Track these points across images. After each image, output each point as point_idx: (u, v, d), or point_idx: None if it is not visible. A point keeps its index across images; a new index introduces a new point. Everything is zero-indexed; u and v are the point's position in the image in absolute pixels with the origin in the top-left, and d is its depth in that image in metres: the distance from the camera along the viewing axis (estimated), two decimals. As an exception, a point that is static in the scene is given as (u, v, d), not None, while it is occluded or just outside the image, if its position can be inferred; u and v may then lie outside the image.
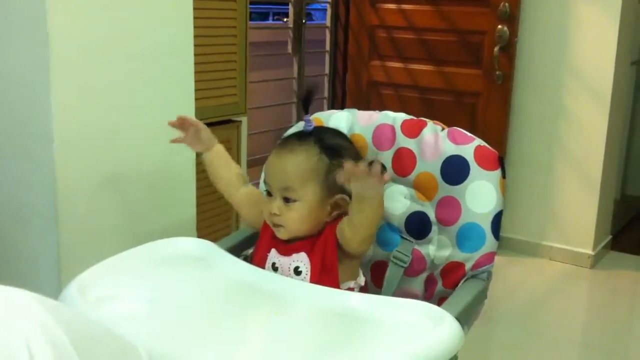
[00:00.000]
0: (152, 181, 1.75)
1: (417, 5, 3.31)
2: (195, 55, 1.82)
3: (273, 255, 1.32)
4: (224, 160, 1.46)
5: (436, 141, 1.42)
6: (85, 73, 1.56)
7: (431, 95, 3.34)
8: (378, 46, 3.47)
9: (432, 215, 1.42)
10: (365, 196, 1.20)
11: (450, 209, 1.39)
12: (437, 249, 1.42)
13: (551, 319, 2.72)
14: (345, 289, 1.28)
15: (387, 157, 1.47)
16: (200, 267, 1.29)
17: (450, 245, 1.40)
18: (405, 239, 1.45)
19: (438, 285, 1.41)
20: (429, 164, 1.42)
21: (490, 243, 1.36)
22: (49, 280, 1.58)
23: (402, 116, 1.49)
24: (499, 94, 3.15)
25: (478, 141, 1.41)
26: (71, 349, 0.77)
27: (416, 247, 1.44)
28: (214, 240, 1.40)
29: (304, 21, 3.44)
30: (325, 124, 1.50)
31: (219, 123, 2.42)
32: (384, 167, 1.28)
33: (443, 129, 1.44)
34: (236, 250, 1.42)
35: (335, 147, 1.32)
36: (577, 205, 3.17)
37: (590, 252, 3.18)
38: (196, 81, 1.85)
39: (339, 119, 1.52)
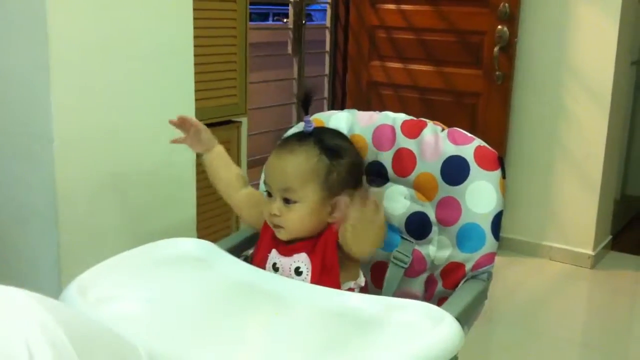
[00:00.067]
0: (152, 181, 1.75)
1: (417, 6, 3.31)
2: (195, 55, 1.82)
3: (274, 256, 1.32)
4: (224, 161, 1.47)
5: (436, 141, 1.42)
6: (85, 73, 1.56)
7: (431, 95, 3.34)
8: (378, 46, 3.47)
9: (432, 215, 1.42)
10: (365, 226, 1.21)
11: (450, 209, 1.39)
12: (438, 249, 1.42)
13: (551, 319, 2.72)
14: (345, 290, 1.28)
15: (387, 157, 1.47)
16: (201, 268, 1.29)
17: (451, 245, 1.40)
18: (406, 239, 1.45)
19: (438, 286, 1.41)
20: (429, 165, 1.42)
21: (490, 243, 1.36)
22: (49, 280, 1.58)
23: (402, 117, 1.49)
24: (499, 94, 3.15)
25: (478, 141, 1.41)
26: (71, 348, 0.77)
27: (416, 247, 1.44)
28: (214, 240, 1.40)
29: (303, 22, 3.44)
30: (326, 125, 1.50)
31: (219, 124, 2.41)
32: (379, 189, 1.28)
33: (443, 129, 1.44)
34: (236, 251, 1.42)
35: (335, 147, 1.32)
36: (577, 206, 3.17)
37: (590, 252, 3.18)
38: (196, 82, 1.85)
39: (339, 120, 1.52)
